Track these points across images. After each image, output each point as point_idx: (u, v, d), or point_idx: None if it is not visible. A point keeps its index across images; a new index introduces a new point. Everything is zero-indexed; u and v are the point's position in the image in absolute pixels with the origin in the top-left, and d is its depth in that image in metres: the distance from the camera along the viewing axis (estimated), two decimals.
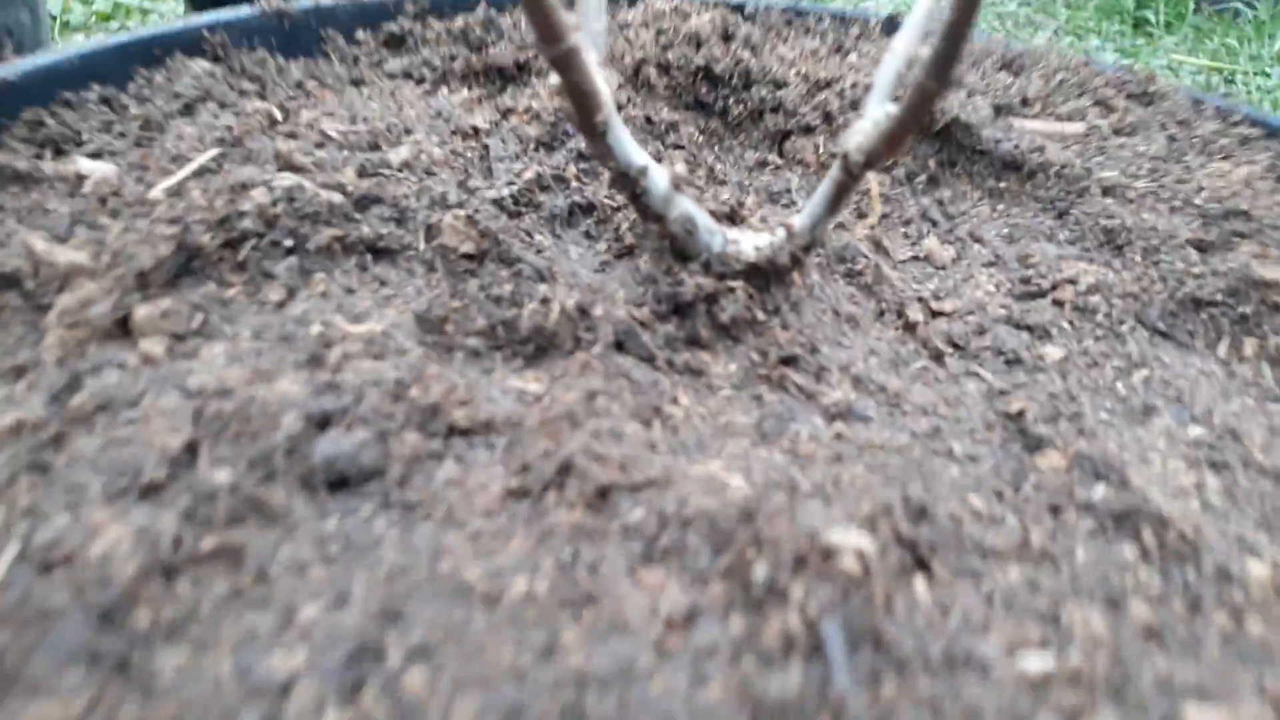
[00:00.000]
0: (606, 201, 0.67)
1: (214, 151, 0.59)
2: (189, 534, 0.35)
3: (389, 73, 0.83)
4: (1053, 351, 0.55)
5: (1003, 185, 0.74)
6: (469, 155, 0.70)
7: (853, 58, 0.88)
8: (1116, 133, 0.77)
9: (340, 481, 0.39)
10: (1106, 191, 0.70)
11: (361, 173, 0.62)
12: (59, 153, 0.62)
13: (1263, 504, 0.44)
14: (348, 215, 0.57)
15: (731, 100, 0.80)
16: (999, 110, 0.79)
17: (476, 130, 0.73)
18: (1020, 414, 0.49)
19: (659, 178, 0.53)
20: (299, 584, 0.35)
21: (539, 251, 0.60)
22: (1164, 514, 0.41)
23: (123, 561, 0.33)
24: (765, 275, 0.56)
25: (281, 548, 0.36)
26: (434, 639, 0.33)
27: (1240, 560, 0.39)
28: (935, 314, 0.60)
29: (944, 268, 0.66)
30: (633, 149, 0.52)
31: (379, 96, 0.77)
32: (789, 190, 0.74)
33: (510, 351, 0.51)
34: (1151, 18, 2.87)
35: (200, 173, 0.59)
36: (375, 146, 0.67)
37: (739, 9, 0.93)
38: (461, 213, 0.57)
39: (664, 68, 0.81)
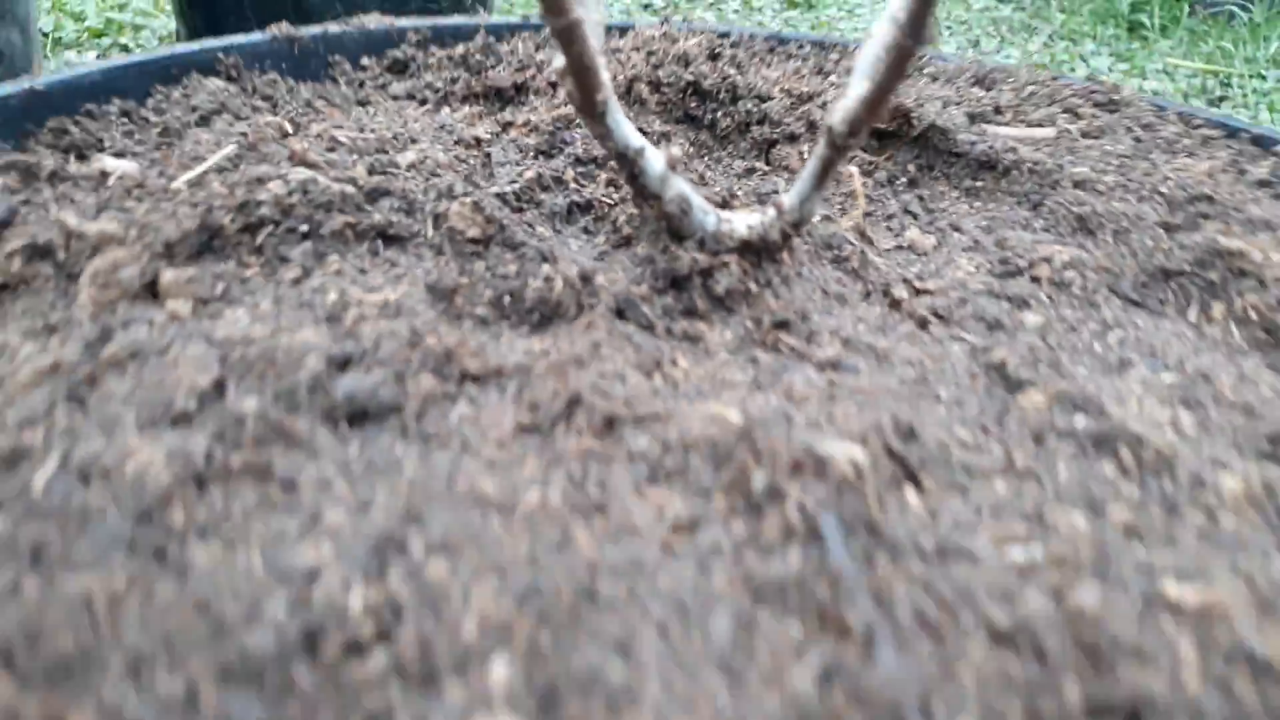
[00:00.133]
0: (604, 200, 0.70)
1: (232, 148, 0.62)
2: (219, 452, 0.37)
3: (393, 94, 0.87)
4: (1032, 318, 0.58)
5: (979, 184, 0.78)
6: (472, 161, 0.74)
7: (834, 77, 0.93)
8: (1085, 136, 0.82)
9: (361, 414, 0.41)
10: (1078, 185, 0.74)
11: (371, 170, 0.65)
12: (82, 157, 0.65)
13: (1234, 432, 0.46)
14: (359, 205, 0.60)
15: (719, 113, 0.85)
16: (973, 118, 0.83)
17: (478, 140, 0.77)
18: (1002, 363, 0.51)
19: (655, 159, 0.57)
20: (324, 495, 0.36)
21: (541, 240, 0.63)
22: (1141, 435, 0.43)
23: (157, 473, 0.35)
24: (757, 251, 0.59)
25: (306, 467, 0.38)
26: (453, 537, 0.35)
27: (1214, 474, 0.42)
28: (919, 292, 0.63)
29: (926, 254, 0.69)
30: (630, 131, 0.55)
31: (384, 113, 0.81)
32: (776, 192, 0.78)
33: (516, 319, 0.53)
34: (1146, 21, 2.87)
35: (219, 170, 0.62)
36: (383, 151, 0.71)
37: (724, 35, 0.98)
38: (468, 199, 0.60)
39: (655, 84, 0.85)
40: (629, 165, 0.56)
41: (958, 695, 0.30)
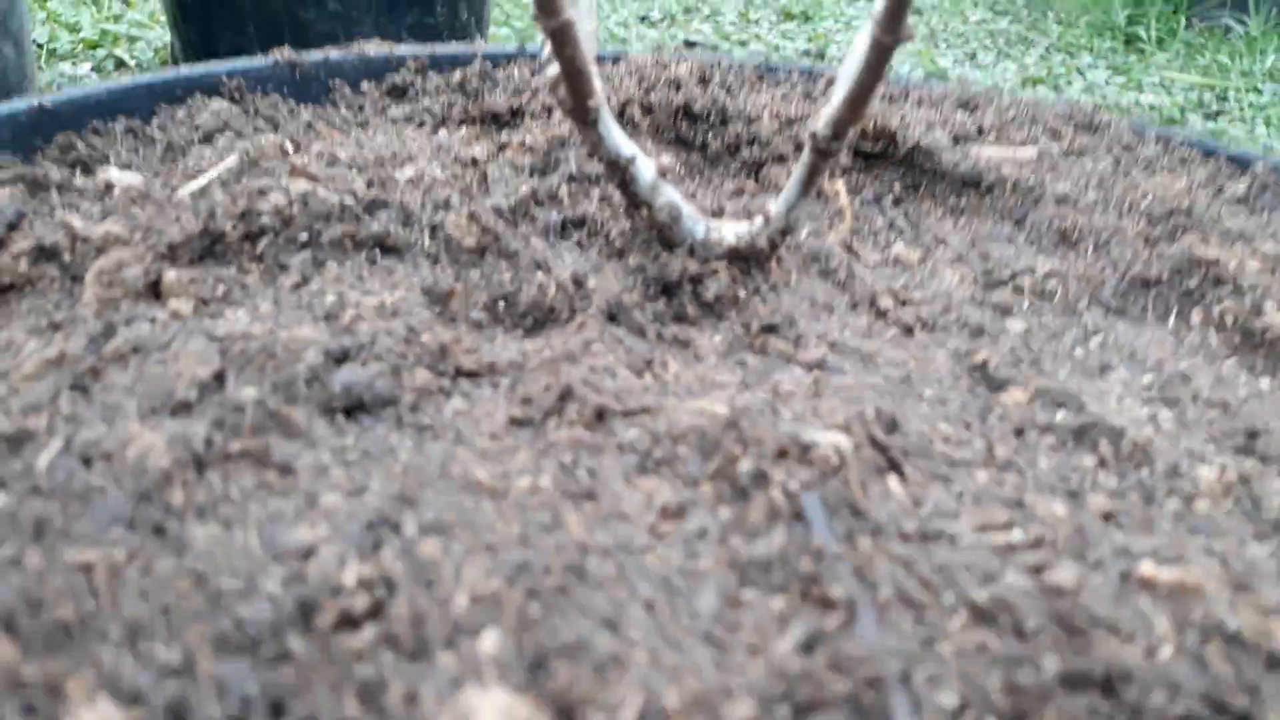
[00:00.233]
0: (597, 215, 0.72)
1: (234, 161, 0.64)
2: (218, 438, 0.38)
3: (392, 118, 0.89)
4: (1015, 325, 0.60)
5: (963, 201, 0.80)
6: (468, 178, 0.75)
7: (820, 102, 0.95)
8: (1066, 155, 0.84)
9: (357, 406, 0.42)
10: (1059, 201, 0.76)
11: (370, 184, 0.67)
12: (88, 171, 0.67)
13: (1211, 427, 0.47)
14: (357, 216, 0.61)
15: (710, 135, 0.87)
16: (957, 140, 0.86)
17: (475, 160, 0.79)
18: (985, 364, 0.52)
19: (646, 167, 0.58)
20: (320, 480, 0.37)
21: (536, 251, 0.65)
22: (1120, 429, 0.44)
23: (157, 457, 0.36)
24: (745, 259, 0.60)
25: (303, 454, 0.39)
26: (446, 518, 0.35)
27: (1191, 465, 0.43)
28: (905, 302, 0.65)
29: (911, 267, 0.71)
30: (621, 139, 0.57)
31: (383, 134, 0.83)
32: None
33: (510, 322, 0.55)
34: (1143, 34, 2.86)
35: (222, 181, 0.64)
36: (381, 167, 0.72)
37: (714, 65, 1.00)
38: (464, 211, 0.62)
39: (647, 108, 0.87)
40: (620, 173, 0.58)
41: (938, 666, 0.31)
